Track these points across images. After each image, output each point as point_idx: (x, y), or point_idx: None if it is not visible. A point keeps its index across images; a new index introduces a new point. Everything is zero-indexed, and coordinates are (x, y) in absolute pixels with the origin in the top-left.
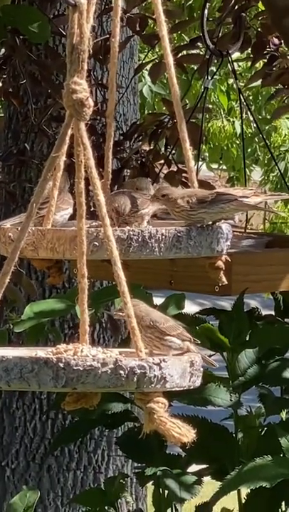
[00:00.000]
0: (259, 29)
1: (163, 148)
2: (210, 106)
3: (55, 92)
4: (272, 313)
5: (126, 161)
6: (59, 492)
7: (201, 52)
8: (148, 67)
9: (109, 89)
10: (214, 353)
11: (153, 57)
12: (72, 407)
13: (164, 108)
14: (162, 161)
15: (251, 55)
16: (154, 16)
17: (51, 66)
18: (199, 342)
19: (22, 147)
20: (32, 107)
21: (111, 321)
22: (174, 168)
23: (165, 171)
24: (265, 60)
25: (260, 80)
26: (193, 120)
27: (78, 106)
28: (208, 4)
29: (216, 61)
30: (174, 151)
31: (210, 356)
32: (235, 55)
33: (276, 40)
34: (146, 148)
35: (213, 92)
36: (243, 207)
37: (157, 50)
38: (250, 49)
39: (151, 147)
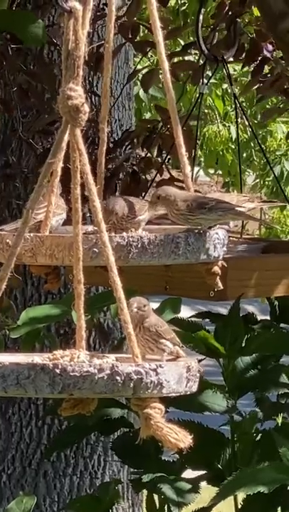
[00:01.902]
0: (253, 35)
1: (156, 155)
2: (206, 111)
3: (43, 106)
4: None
5: (117, 168)
6: (55, 497)
7: (195, 58)
8: (144, 71)
9: (103, 94)
10: (204, 357)
11: (146, 64)
12: (68, 413)
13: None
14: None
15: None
16: (146, 23)
17: (41, 77)
18: (184, 347)
19: (8, 160)
20: (20, 119)
21: (100, 328)
22: (165, 176)
23: (158, 179)
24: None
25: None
26: (190, 123)
27: (74, 112)
28: (202, 10)
29: (208, 68)
30: (168, 158)
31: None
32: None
33: (270, 47)
34: (140, 154)
35: (209, 96)
36: (240, 216)
37: (150, 56)
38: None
39: (144, 154)
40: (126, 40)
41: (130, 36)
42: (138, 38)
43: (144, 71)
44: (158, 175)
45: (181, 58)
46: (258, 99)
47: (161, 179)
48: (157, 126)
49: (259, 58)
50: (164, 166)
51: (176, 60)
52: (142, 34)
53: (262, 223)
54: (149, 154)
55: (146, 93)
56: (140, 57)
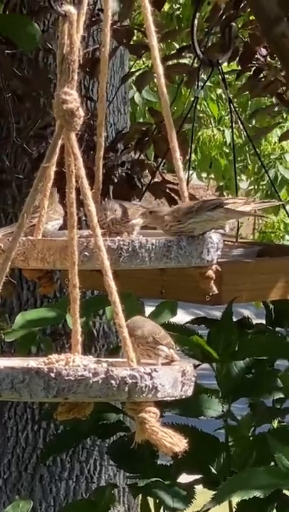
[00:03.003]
0: (247, 39)
1: (152, 159)
2: (200, 115)
3: (37, 111)
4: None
5: (108, 170)
6: (51, 502)
7: (189, 62)
8: (138, 73)
9: (100, 99)
10: (200, 363)
11: (140, 67)
12: (64, 417)
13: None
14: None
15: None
16: (140, 28)
17: (35, 83)
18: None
19: (3, 165)
20: (13, 124)
21: (89, 332)
22: (158, 179)
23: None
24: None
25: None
26: (184, 129)
27: (69, 116)
28: (197, 14)
29: (202, 71)
30: (163, 162)
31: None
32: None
33: (264, 51)
34: (134, 157)
35: (204, 100)
36: (232, 214)
37: (144, 60)
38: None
39: (137, 157)
40: (120, 44)
41: (125, 41)
42: (132, 42)
43: (138, 73)
44: (153, 176)
45: (175, 61)
46: (251, 115)
47: (153, 182)
48: (150, 129)
49: (254, 66)
50: (157, 169)
51: (170, 62)
52: (135, 38)
53: (256, 221)
54: (142, 156)
55: (140, 93)
56: (134, 60)
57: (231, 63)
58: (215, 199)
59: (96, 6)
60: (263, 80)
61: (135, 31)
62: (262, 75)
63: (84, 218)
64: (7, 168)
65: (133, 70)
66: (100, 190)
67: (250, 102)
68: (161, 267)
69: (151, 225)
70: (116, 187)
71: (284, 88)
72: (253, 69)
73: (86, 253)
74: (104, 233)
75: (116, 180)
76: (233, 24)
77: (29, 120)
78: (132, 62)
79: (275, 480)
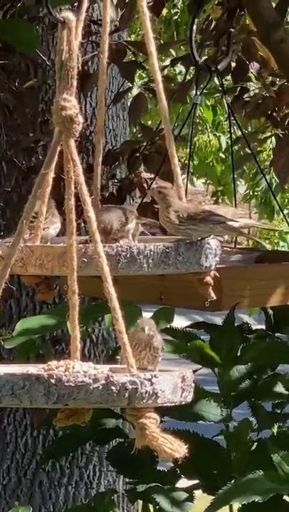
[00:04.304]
0: (239, 54)
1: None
2: (197, 120)
3: (27, 125)
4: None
5: (102, 186)
6: (51, 508)
7: (183, 72)
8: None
9: (98, 105)
10: (200, 367)
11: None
12: (63, 423)
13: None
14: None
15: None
16: (130, 46)
17: (25, 97)
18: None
19: None
20: (4, 138)
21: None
22: (148, 199)
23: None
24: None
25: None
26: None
27: (68, 123)
28: (196, 20)
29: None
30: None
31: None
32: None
33: (256, 65)
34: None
35: (200, 106)
36: (231, 231)
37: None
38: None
39: (127, 174)
40: (111, 61)
41: (116, 58)
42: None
43: (130, 89)
44: (144, 194)
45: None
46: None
47: (144, 202)
48: (142, 146)
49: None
50: (147, 185)
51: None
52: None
53: (251, 238)
54: (132, 174)
55: (134, 126)
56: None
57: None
58: (220, 216)
59: (93, 14)
60: (252, 97)
61: (128, 50)
62: (252, 92)
63: (83, 224)
64: None
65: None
66: (98, 196)
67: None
68: (159, 273)
69: (157, 200)
70: (107, 203)
71: (276, 109)
72: (239, 88)
73: (84, 259)
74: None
75: (106, 196)
76: (232, 30)
77: (19, 134)
78: None
79: (275, 485)
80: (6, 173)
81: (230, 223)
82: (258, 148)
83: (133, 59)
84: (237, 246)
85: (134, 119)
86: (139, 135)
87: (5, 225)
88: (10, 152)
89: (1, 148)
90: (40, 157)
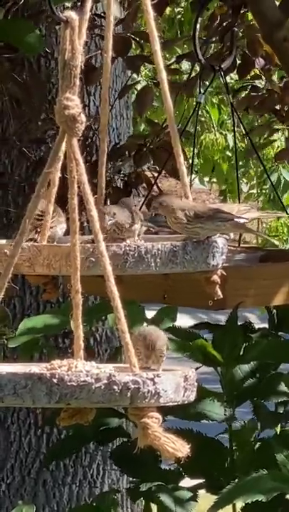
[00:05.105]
0: (244, 50)
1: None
2: (202, 119)
3: (35, 116)
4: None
5: (108, 181)
6: (54, 506)
7: (188, 69)
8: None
9: (102, 104)
10: (200, 365)
11: (142, 77)
12: (67, 422)
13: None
14: (152, 181)
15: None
16: (136, 37)
17: (32, 88)
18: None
19: (2, 169)
20: (12, 128)
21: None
22: (155, 192)
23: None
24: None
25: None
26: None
27: (70, 122)
28: (199, 19)
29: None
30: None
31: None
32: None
33: (262, 61)
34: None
35: (205, 105)
36: (239, 228)
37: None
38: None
39: (134, 169)
40: (117, 55)
41: (121, 50)
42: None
43: (136, 83)
44: (150, 189)
45: (170, 77)
46: (249, 131)
47: (151, 196)
48: (148, 141)
49: (248, 83)
50: (155, 180)
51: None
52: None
53: (259, 235)
54: (139, 169)
55: (142, 117)
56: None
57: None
58: (227, 213)
59: (97, 11)
60: (259, 93)
61: (133, 42)
62: (261, 86)
63: (86, 224)
64: (5, 172)
65: (133, 79)
66: (103, 195)
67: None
68: (166, 272)
69: (160, 213)
70: (113, 198)
71: (280, 105)
72: (250, 87)
73: (92, 259)
74: (106, 239)
75: (112, 191)
76: (235, 29)
77: (28, 124)
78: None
79: (278, 484)
80: (16, 163)
81: (238, 220)
82: (262, 140)
83: (138, 53)
84: (241, 245)
85: (140, 111)
86: (146, 133)
87: (17, 215)
88: (19, 143)
89: (10, 139)
90: (51, 146)
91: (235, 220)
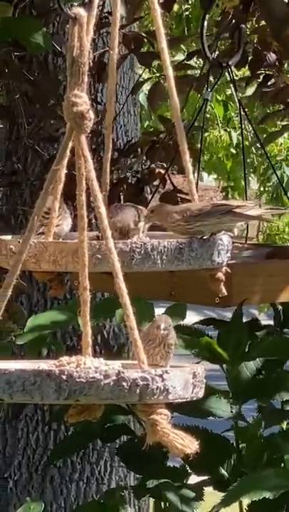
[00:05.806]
0: (256, 45)
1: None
2: (207, 116)
3: (48, 113)
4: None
5: (121, 177)
6: (62, 503)
7: (198, 66)
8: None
9: (108, 101)
10: (200, 360)
11: (150, 75)
12: (75, 419)
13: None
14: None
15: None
16: (148, 36)
17: (44, 86)
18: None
19: (15, 168)
20: (25, 126)
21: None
22: (169, 187)
23: (161, 188)
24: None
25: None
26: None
27: (79, 119)
28: (207, 16)
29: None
30: (171, 169)
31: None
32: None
33: (273, 56)
34: (144, 163)
35: (211, 101)
36: (240, 217)
37: (155, 66)
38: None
39: (146, 165)
40: (129, 52)
41: (133, 47)
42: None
43: (149, 82)
44: (162, 185)
45: (183, 73)
46: (260, 121)
47: (164, 191)
48: (161, 138)
49: (263, 73)
50: (167, 177)
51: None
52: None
53: (262, 220)
54: (152, 165)
55: (154, 112)
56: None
57: (243, 69)
58: (224, 205)
59: (104, 9)
60: (272, 87)
61: (144, 40)
62: (271, 81)
63: (94, 220)
64: (18, 170)
65: (144, 75)
66: (107, 191)
67: (256, 103)
68: (172, 269)
69: (156, 221)
70: (126, 192)
71: None
72: (263, 76)
73: (98, 255)
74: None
75: (126, 188)
76: (243, 26)
77: (41, 122)
78: (140, 70)
79: (285, 481)
80: (30, 162)
81: (239, 210)
82: (267, 133)
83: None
84: (248, 242)
85: (153, 106)
86: (150, 129)
87: (25, 213)
88: (32, 141)
89: (21, 136)
90: None
91: (236, 210)
